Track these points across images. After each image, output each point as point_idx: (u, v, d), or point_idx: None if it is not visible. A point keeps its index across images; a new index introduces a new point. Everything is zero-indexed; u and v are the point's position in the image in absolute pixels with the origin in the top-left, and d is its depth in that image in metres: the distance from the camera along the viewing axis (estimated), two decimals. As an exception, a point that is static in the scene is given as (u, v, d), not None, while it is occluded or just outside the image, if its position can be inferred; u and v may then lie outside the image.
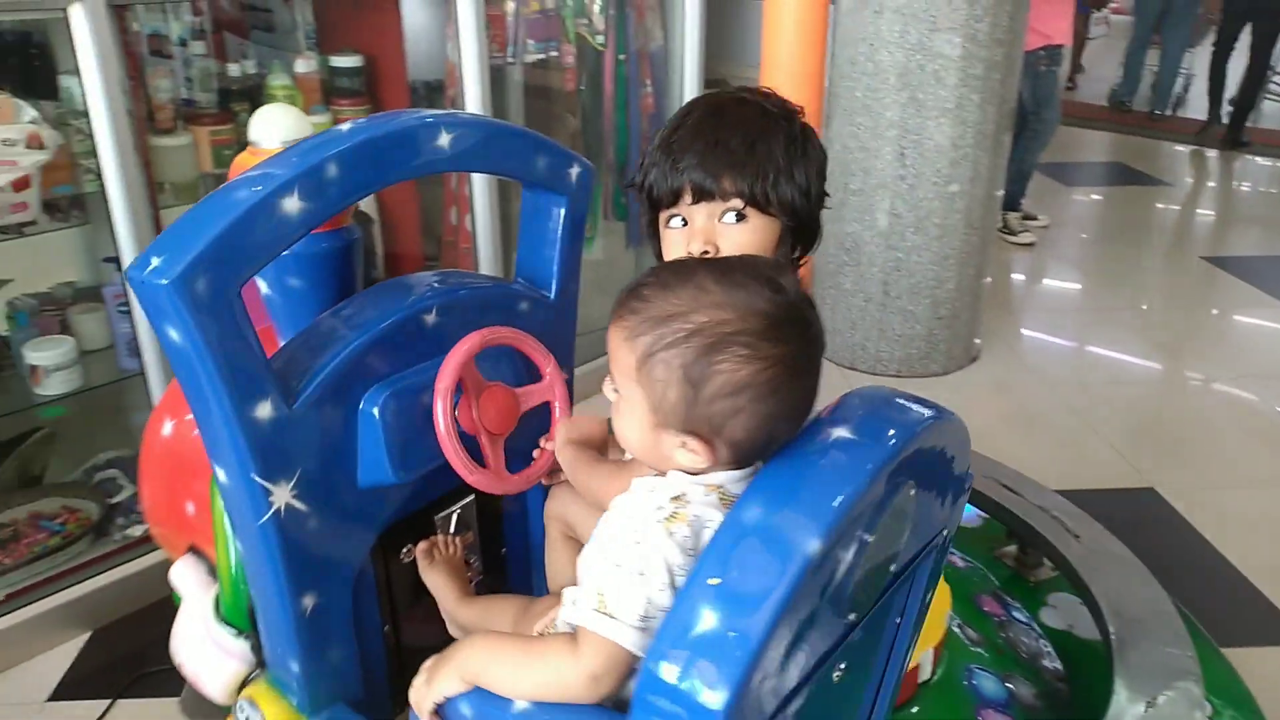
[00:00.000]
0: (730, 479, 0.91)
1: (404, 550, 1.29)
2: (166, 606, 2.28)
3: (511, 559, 1.45)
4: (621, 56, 3.03)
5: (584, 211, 1.36)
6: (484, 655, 0.93)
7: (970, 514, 2.33)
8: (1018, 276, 4.61)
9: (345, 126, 1.11)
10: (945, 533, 1.04)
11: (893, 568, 0.94)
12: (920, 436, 0.90)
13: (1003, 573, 2.18)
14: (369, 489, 1.16)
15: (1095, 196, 6.11)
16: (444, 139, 1.15)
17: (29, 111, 1.90)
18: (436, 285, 1.25)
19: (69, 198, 2.08)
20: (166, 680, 2.10)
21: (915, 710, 1.64)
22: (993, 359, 3.64)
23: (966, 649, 1.80)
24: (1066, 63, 5.85)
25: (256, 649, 1.20)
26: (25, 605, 2.13)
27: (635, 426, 0.91)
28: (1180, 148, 7.05)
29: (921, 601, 1.08)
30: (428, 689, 0.96)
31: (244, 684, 1.23)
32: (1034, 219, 5.05)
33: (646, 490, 0.92)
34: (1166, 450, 3.02)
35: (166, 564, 2.29)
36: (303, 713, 1.16)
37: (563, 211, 1.33)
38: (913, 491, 0.91)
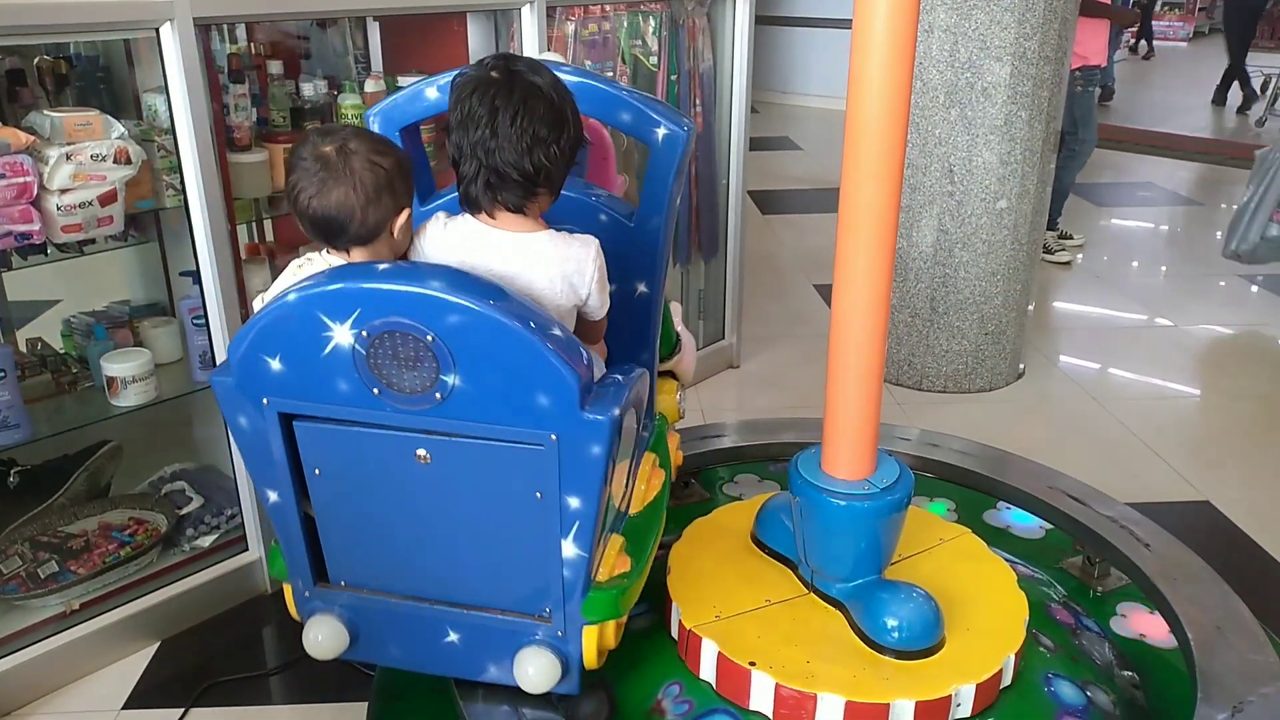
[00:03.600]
0: (339, 260, 1.49)
1: None
2: (233, 617, 2.33)
3: None
4: (673, 76, 3.07)
5: (669, 166, 1.71)
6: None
7: (1034, 524, 2.34)
8: (1056, 294, 4.62)
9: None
10: (554, 436, 1.38)
11: (437, 395, 1.38)
12: (429, 307, 1.32)
13: (1070, 583, 2.17)
14: None
15: (1128, 216, 6.13)
16: None
17: (117, 127, 1.95)
18: None
19: (133, 217, 2.11)
20: (236, 690, 2.13)
21: (996, 715, 1.64)
22: (1038, 375, 3.64)
23: (1044, 656, 1.80)
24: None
25: None
26: (97, 616, 2.17)
27: None
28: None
29: (552, 492, 1.42)
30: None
31: None
32: (1070, 238, 5.07)
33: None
34: (1217, 465, 3.01)
35: (232, 576, 2.33)
36: None
37: (651, 161, 1.72)
38: (430, 337, 1.33)
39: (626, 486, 1.68)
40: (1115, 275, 4.95)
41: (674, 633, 1.76)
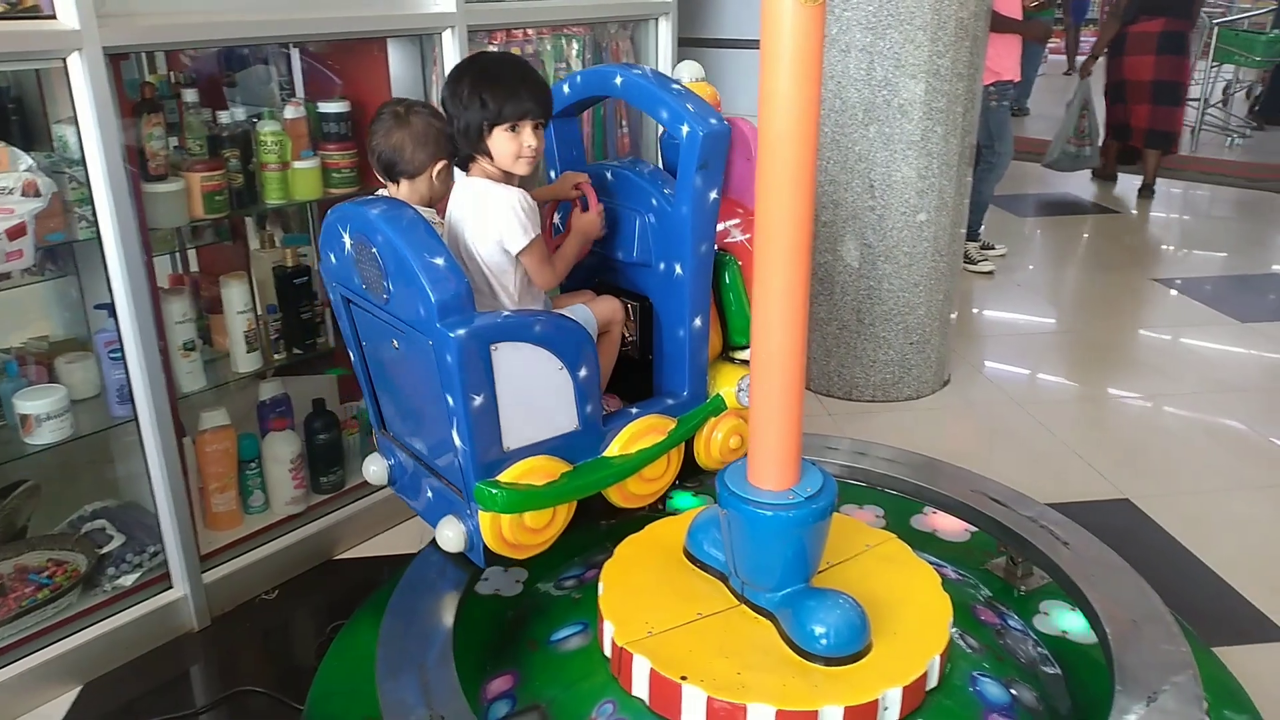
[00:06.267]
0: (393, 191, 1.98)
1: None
2: (159, 657, 2.27)
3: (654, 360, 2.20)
4: (597, 98, 3.10)
5: (693, 159, 1.92)
6: None
7: (958, 528, 2.40)
8: (980, 303, 4.74)
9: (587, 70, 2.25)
10: (431, 343, 1.71)
11: (385, 296, 1.79)
12: (369, 226, 1.77)
13: (994, 584, 2.23)
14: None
15: (1049, 226, 6.31)
16: (618, 79, 2.07)
17: (25, 159, 1.91)
18: (618, 164, 2.17)
19: (47, 250, 2.06)
20: (162, 731, 2.08)
21: (923, 717, 1.67)
22: (963, 382, 3.73)
23: (969, 656, 1.84)
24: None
25: None
26: (14, 661, 2.09)
27: None
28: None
29: (447, 401, 1.76)
30: None
31: None
32: (992, 248, 5.20)
33: None
34: (1136, 463, 3.11)
35: (156, 615, 2.28)
36: None
37: (680, 154, 1.95)
38: (373, 250, 1.76)
39: (579, 423, 1.92)
40: (1037, 283, 5.10)
41: (607, 651, 1.77)
